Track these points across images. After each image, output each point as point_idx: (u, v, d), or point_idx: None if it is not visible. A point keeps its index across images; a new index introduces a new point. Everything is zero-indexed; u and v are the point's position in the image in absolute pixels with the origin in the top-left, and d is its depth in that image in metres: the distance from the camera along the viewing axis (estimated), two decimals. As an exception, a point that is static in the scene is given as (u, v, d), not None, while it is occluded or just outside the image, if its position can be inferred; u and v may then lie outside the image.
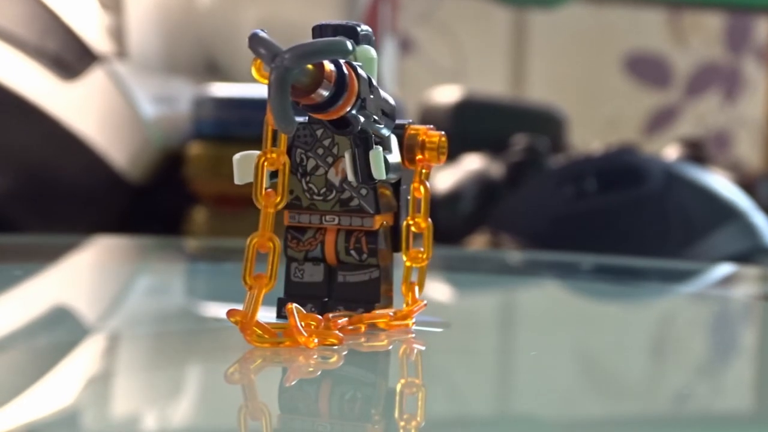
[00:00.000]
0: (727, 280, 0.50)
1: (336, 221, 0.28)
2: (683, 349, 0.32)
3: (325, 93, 0.25)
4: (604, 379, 0.27)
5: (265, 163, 0.26)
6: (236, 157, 0.26)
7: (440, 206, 0.69)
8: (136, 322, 0.31)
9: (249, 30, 0.25)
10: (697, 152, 0.78)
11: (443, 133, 0.29)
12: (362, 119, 0.26)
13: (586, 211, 0.57)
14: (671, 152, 0.78)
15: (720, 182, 0.60)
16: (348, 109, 0.26)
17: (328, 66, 0.25)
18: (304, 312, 0.27)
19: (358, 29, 0.28)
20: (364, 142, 0.27)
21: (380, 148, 0.27)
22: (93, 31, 0.61)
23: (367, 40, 0.28)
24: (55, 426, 0.20)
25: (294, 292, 0.28)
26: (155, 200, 0.62)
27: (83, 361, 0.26)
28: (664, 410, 0.23)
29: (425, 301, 0.29)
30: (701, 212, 0.57)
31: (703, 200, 0.57)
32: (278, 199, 0.26)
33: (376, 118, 0.27)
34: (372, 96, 0.26)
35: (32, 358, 0.26)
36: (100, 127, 0.60)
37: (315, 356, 0.26)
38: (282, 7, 0.64)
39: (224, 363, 0.26)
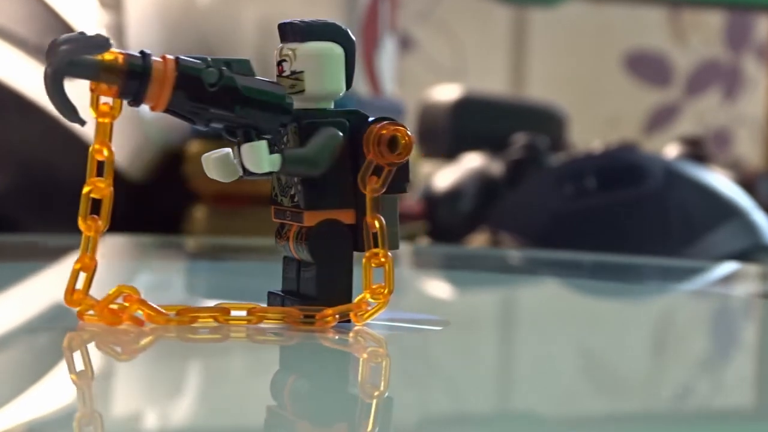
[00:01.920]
0: (728, 278, 0.50)
1: (289, 217, 0.28)
2: (684, 346, 0.32)
3: (117, 86, 0.26)
4: (605, 377, 0.27)
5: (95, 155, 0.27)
6: (203, 156, 0.28)
7: (440, 204, 0.69)
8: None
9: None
10: (698, 150, 0.78)
11: (406, 131, 0.28)
12: (208, 111, 0.27)
13: (586, 209, 0.57)
14: (671, 150, 0.78)
15: (720, 180, 0.60)
16: (168, 102, 0.26)
17: (114, 59, 0.26)
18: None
19: (303, 24, 0.28)
20: (244, 135, 0.27)
21: (260, 143, 0.27)
22: (93, 29, 0.61)
23: (331, 35, 0.28)
24: (55, 425, 0.20)
25: (282, 286, 0.29)
26: (155, 198, 0.62)
27: (83, 360, 0.26)
28: (664, 407, 0.23)
29: (370, 305, 0.28)
30: (701, 210, 0.57)
31: (703, 198, 0.57)
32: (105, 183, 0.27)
33: (220, 111, 0.27)
34: (216, 89, 0.27)
35: (32, 357, 0.26)
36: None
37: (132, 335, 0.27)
38: (281, 5, 0.64)
39: (224, 360, 0.26)
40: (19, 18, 0.61)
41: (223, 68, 0.27)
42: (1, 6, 0.61)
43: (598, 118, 1.32)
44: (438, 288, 0.46)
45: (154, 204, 0.62)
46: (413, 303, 0.40)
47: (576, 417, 0.22)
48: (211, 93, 0.27)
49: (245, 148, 0.27)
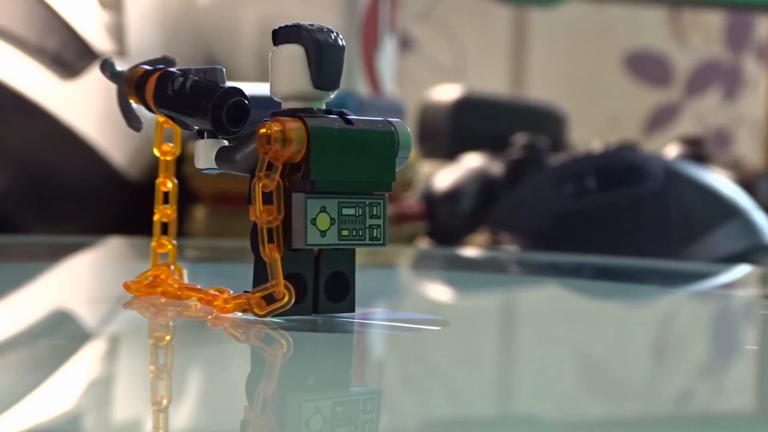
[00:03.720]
0: (728, 279, 0.50)
1: None
2: (685, 348, 0.32)
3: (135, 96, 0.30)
4: (606, 379, 0.27)
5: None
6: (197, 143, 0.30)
7: (440, 204, 0.69)
8: (137, 322, 0.31)
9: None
10: (698, 150, 0.78)
11: (280, 126, 0.27)
12: (175, 115, 0.30)
13: (586, 209, 0.57)
14: (671, 150, 0.78)
15: (720, 180, 0.60)
16: (154, 109, 0.30)
17: (134, 73, 0.30)
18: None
19: (273, 30, 0.29)
20: (197, 134, 0.30)
21: (201, 141, 0.29)
22: (93, 29, 0.61)
23: (289, 37, 0.28)
24: (57, 430, 0.20)
25: None
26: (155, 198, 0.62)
27: (85, 364, 0.26)
28: (666, 410, 0.23)
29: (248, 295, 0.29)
30: (701, 211, 0.57)
31: (703, 198, 0.57)
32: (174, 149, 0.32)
33: (179, 115, 0.30)
34: (174, 95, 0.29)
35: (33, 361, 0.26)
36: (100, 126, 0.60)
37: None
38: (281, 5, 0.64)
39: (224, 363, 0.26)
40: (19, 18, 0.61)
41: (191, 77, 0.29)
42: (1, 6, 0.61)
43: (599, 118, 1.32)
44: (437, 288, 0.46)
45: (154, 204, 0.62)
46: (412, 303, 0.40)
47: (576, 420, 0.22)
48: (171, 99, 0.29)
49: (195, 145, 0.29)
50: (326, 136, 0.28)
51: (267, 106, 0.29)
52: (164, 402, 0.22)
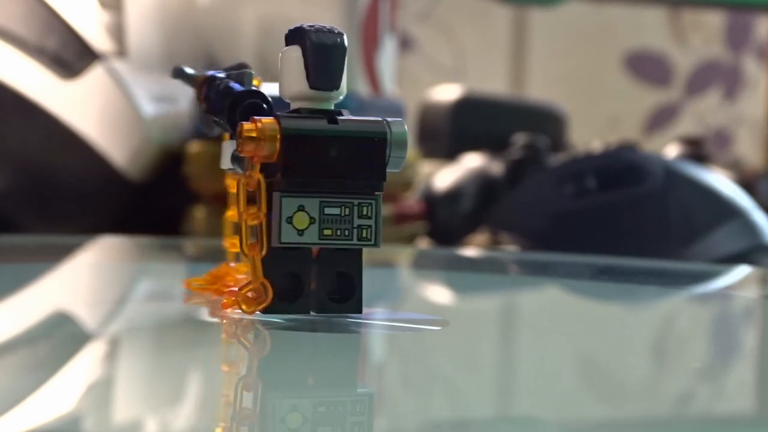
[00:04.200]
0: (728, 280, 0.50)
1: None
2: (685, 349, 0.32)
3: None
4: (606, 380, 0.27)
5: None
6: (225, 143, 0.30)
7: (440, 205, 0.69)
8: (138, 325, 0.31)
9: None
10: (698, 150, 0.78)
11: (251, 125, 0.28)
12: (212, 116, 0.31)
13: (586, 209, 0.57)
14: (671, 150, 0.78)
15: (720, 181, 0.60)
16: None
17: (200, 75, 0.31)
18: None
19: (288, 31, 0.29)
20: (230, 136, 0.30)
21: (228, 142, 0.29)
22: (93, 29, 0.61)
23: (291, 39, 0.29)
24: (57, 430, 0.20)
25: None
26: (155, 198, 0.62)
27: (85, 365, 0.26)
28: (666, 412, 0.23)
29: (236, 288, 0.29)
30: (701, 211, 0.57)
31: (703, 199, 0.57)
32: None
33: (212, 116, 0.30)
34: (212, 95, 0.30)
35: (34, 362, 0.26)
36: (100, 126, 0.60)
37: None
38: (281, 5, 0.64)
39: (212, 361, 0.26)
40: (19, 18, 0.61)
41: (225, 80, 0.30)
42: (1, 6, 0.61)
43: (599, 118, 1.32)
44: (437, 289, 0.46)
45: (154, 204, 0.62)
46: (412, 303, 0.40)
47: (576, 421, 0.22)
48: (211, 102, 0.30)
49: (222, 146, 0.30)
50: (302, 136, 0.28)
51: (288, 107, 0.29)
52: (149, 402, 0.22)
